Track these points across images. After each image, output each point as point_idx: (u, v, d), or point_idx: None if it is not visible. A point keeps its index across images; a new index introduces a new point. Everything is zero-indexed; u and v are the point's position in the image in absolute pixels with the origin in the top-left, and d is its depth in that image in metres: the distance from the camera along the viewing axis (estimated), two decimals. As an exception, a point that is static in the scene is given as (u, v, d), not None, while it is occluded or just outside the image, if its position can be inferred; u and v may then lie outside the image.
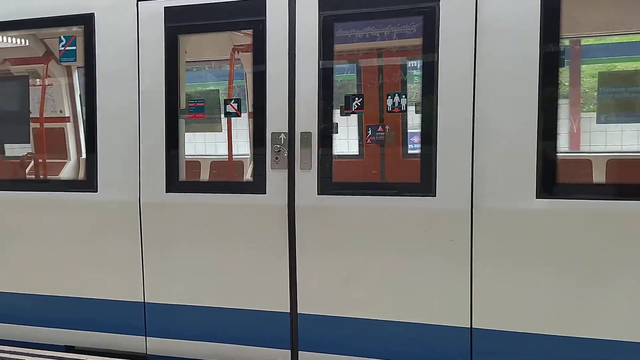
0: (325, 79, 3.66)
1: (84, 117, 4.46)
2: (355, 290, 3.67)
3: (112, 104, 4.16)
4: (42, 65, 5.64)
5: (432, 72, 3.45)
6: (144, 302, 4.15)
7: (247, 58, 5.18)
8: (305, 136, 3.72)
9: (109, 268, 4.19)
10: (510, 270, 3.35)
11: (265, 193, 3.80)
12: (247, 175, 5.23)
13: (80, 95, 6.02)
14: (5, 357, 3.96)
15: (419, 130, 3.59)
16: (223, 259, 3.95)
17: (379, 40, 4.22)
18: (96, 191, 4.16)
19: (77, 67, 5.91)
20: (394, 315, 3.62)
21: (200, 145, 9.15)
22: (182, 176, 4.09)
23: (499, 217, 3.34)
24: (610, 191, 3.31)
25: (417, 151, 3.64)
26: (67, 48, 4.38)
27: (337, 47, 3.73)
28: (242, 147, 6.28)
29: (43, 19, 4.34)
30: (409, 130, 5.26)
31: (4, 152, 6.30)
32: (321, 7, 3.62)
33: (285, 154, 3.75)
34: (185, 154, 4.27)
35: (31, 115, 6.42)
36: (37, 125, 6.54)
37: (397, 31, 4.02)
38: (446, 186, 3.42)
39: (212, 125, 6.52)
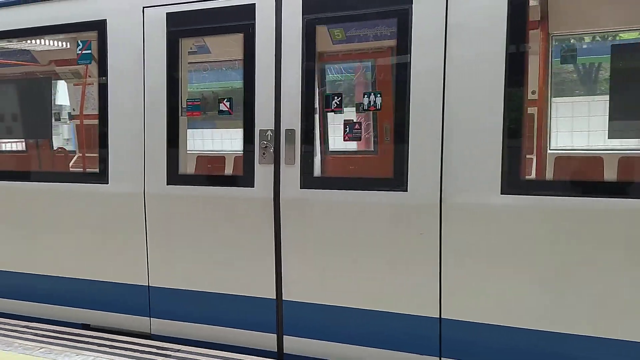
0: (308, 78, 3.85)
1: (98, 115, 4.75)
2: (334, 279, 3.86)
3: (121, 102, 4.50)
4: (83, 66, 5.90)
5: (405, 72, 3.59)
6: (148, 285, 4.49)
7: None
8: (290, 133, 3.93)
9: (119, 253, 4.55)
10: (477, 263, 3.47)
11: (253, 186, 4.05)
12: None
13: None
14: (33, 332, 4.43)
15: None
16: (216, 248, 4.21)
17: (358, 42, 4.70)
18: (107, 183, 4.53)
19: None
20: (369, 304, 3.78)
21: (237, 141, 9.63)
22: (183, 170, 4.38)
23: (466, 212, 3.47)
24: (568, 187, 3.37)
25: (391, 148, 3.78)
26: (84, 52, 4.78)
27: (319, 49, 3.94)
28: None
29: (62, 25, 4.75)
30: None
31: (51, 146, 6.96)
32: (305, 11, 3.83)
33: (271, 150, 3.99)
34: (213, 149, 4.54)
35: (73, 113, 7.04)
36: (77, 121, 7.18)
37: (374, 33, 4.44)
38: (417, 182, 3.56)
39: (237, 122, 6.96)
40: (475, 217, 3.44)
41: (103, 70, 4.57)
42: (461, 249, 3.51)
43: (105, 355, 3.96)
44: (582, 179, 3.99)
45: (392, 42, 3.80)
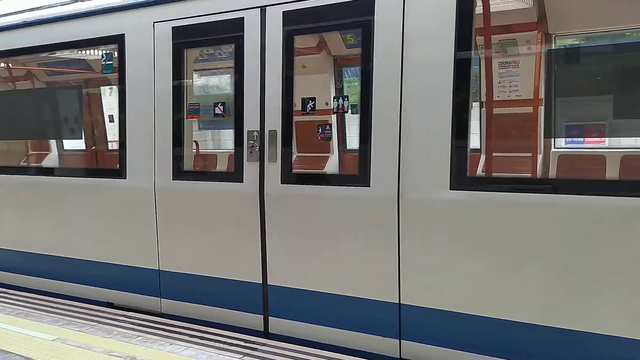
0: (288, 83, 4.25)
1: (118, 119, 5.28)
2: (309, 266, 4.24)
3: (135, 107, 5.03)
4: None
5: (368, 78, 3.91)
6: (159, 269, 4.99)
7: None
8: (272, 134, 4.33)
9: (134, 240, 5.09)
10: (431, 253, 3.74)
11: (242, 182, 4.47)
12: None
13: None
14: (130, 321, 4.73)
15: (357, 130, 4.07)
16: (212, 236, 4.67)
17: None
18: (125, 179, 5.05)
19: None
20: (338, 289, 4.12)
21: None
22: (188, 167, 4.89)
23: (420, 206, 3.76)
24: (506, 184, 3.58)
25: (356, 147, 4.17)
26: (107, 62, 5.40)
27: (297, 57, 4.31)
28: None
29: (88, 40, 5.37)
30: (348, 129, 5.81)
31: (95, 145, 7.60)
32: (284, 24, 4.23)
33: (257, 149, 4.39)
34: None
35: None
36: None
37: (345, 43, 4.96)
38: (378, 178, 3.88)
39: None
40: (428, 210, 3.73)
41: (122, 79, 5.11)
42: (417, 239, 3.78)
43: (196, 346, 4.15)
44: (519, 177, 4.17)
45: (358, 51, 4.10)
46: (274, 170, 4.34)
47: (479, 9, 3.70)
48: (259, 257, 4.45)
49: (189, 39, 4.78)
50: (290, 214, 4.27)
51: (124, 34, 5.08)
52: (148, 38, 4.93)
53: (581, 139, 4.89)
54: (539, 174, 4.64)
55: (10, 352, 4.00)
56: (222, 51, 5.44)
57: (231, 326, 4.61)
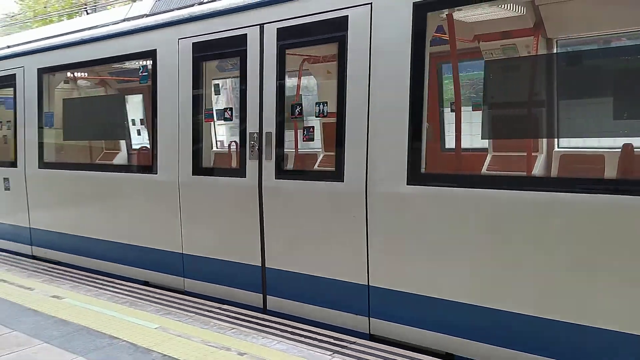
0: (280, 93, 4.88)
1: (150, 122, 6.25)
2: (297, 251, 4.85)
3: (164, 112, 5.83)
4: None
5: (343, 87, 4.48)
6: (182, 253, 5.75)
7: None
8: (268, 135, 4.93)
9: (162, 227, 5.89)
10: (393, 240, 4.25)
11: (245, 177, 5.12)
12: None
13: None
14: (225, 314, 4.93)
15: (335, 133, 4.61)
16: (222, 224, 5.39)
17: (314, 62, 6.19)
18: (156, 174, 5.89)
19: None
20: (319, 271, 4.68)
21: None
22: (208, 164, 5.65)
23: (382, 199, 4.27)
24: (454, 180, 4.06)
25: (332, 149, 4.73)
26: (143, 74, 6.28)
27: (288, 68, 5.02)
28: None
29: (127, 55, 6.40)
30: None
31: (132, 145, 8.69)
32: (278, 39, 4.88)
33: (257, 148, 5.01)
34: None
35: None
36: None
37: (324, 55, 5.82)
38: (350, 175, 4.42)
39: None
40: (389, 202, 4.23)
41: (154, 88, 5.95)
42: (381, 228, 4.29)
43: (287, 341, 4.24)
44: (464, 173, 4.63)
45: (334, 63, 4.76)
46: (269, 167, 4.97)
47: (430, 28, 4.12)
48: (258, 243, 5.08)
49: (205, 53, 5.53)
50: (282, 205, 4.91)
51: (155, 49, 5.93)
52: (174, 52, 5.72)
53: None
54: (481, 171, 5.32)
55: (118, 338, 4.29)
56: (232, 63, 6.13)
57: (237, 302, 5.32)
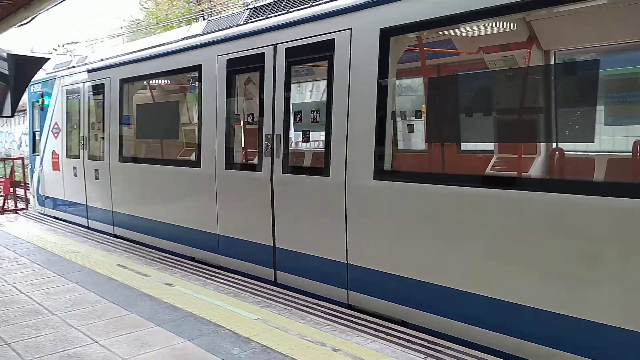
0: (287, 101, 5.95)
1: (198, 125, 7.45)
2: (297, 232, 5.85)
3: (207, 116, 7.06)
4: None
5: (330, 97, 5.43)
6: (217, 233, 6.88)
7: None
8: (278, 137, 5.98)
9: (200, 210, 7.15)
10: (367, 226, 5.11)
11: (261, 171, 6.15)
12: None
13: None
14: (321, 310, 5.06)
15: (323, 136, 5.68)
16: (244, 210, 6.54)
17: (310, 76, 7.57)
18: (200, 167, 7.13)
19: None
20: (312, 250, 5.64)
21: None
22: (236, 160, 6.80)
23: (355, 191, 5.16)
24: (408, 177, 4.93)
25: (322, 149, 5.75)
26: (192, 84, 8.05)
27: (293, 82, 6.34)
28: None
29: (182, 68, 7.86)
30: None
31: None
32: (287, 57, 5.92)
33: (269, 147, 6.05)
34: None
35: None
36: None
37: (316, 71, 7.03)
38: (334, 171, 5.34)
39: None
40: (361, 194, 5.12)
41: (200, 96, 7.27)
42: (356, 215, 5.17)
43: (381, 341, 4.27)
44: (415, 171, 5.81)
45: (325, 78, 5.61)
46: (278, 163, 5.96)
47: (393, 49, 4.94)
48: (270, 226, 6.07)
49: (236, 67, 6.65)
50: (287, 194, 5.91)
51: (201, 64, 7.17)
52: (214, 67, 6.88)
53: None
54: (431, 169, 5.96)
55: (221, 326, 4.56)
56: (255, 76, 6.84)
57: (254, 275, 6.31)
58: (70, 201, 10.62)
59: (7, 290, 5.78)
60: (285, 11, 6.17)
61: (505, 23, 4.95)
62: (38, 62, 9.99)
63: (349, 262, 5.23)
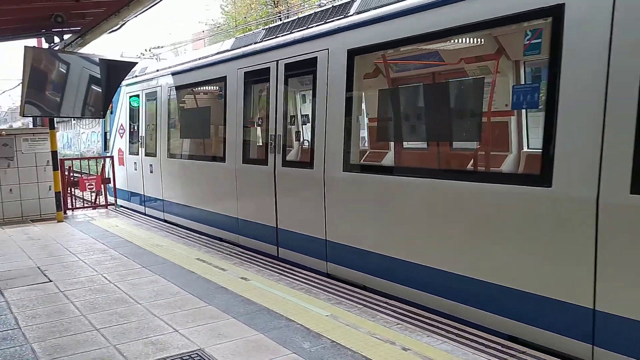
0: (285, 106, 7.33)
1: (224, 127, 8.95)
2: (292, 215, 7.13)
3: (230, 119, 8.51)
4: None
5: (314, 105, 6.68)
6: (237, 217, 8.39)
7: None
8: (279, 136, 7.34)
9: (227, 199, 8.55)
10: (341, 210, 6.27)
11: (267, 165, 7.53)
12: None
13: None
14: (391, 309, 4.99)
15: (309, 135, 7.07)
16: (255, 198, 7.90)
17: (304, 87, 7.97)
18: (225, 162, 8.57)
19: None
20: (302, 229, 6.96)
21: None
22: (252, 155, 8.12)
23: (333, 182, 6.34)
24: (364, 169, 6.17)
25: (308, 146, 7.19)
26: (219, 92, 9.24)
27: (289, 89, 7.55)
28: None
29: (213, 79, 9.29)
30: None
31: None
32: (285, 71, 7.23)
33: (273, 145, 7.41)
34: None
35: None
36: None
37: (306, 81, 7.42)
38: (317, 165, 6.58)
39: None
40: (335, 184, 6.30)
41: (225, 103, 8.65)
42: (332, 201, 6.37)
43: (452, 342, 4.21)
44: (368, 164, 6.67)
45: (311, 88, 6.82)
46: (279, 158, 7.29)
47: (358, 66, 6.13)
48: (273, 210, 7.41)
49: (250, 79, 8.05)
50: (285, 184, 7.19)
51: (225, 76, 8.58)
52: (235, 78, 8.31)
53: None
54: (385, 163, 6.65)
55: (293, 321, 4.68)
56: (265, 86, 7.92)
57: (261, 251, 7.69)
58: (131, 192, 12.38)
59: (97, 279, 6.22)
60: (289, 32, 7.34)
61: (438, 44, 5.71)
62: (127, 66, 10.65)
63: (327, 239, 6.53)
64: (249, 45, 8.19)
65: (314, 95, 6.63)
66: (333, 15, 6.60)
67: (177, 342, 4.30)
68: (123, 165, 12.77)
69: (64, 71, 9.71)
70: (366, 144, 7.80)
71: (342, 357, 3.94)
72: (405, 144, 6.96)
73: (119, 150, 13.12)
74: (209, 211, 9.13)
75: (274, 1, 29.12)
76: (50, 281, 6.18)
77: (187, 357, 4.00)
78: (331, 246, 6.42)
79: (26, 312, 5.12)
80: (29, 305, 5.34)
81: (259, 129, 8.10)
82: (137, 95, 12.09)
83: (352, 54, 6.02)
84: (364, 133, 7.62)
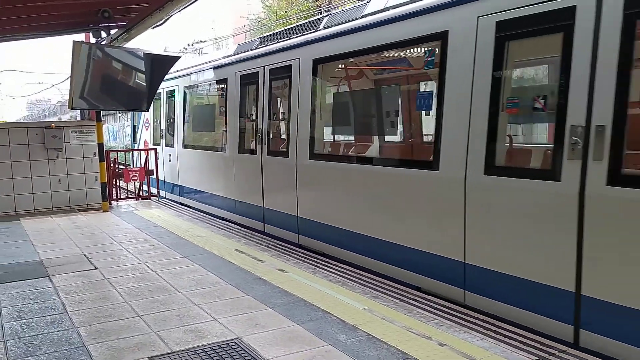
0: (270, 105, 8.83)
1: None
2: (273, 197, 8.68)
3: (230, 115, 9.96)
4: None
5: (289, 105, 8.19)
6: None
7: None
8: (264, 130, 8.90)
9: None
10: (307, 191, 7.75)
11: (256, 154, 8.98)
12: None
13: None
14: (428, 304, 4.96)
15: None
16: (245, 183, 9.43)
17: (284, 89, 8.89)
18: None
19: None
20: (280, 208, 8.47)
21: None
22: (246, 146, 9.47)
23: (302, 168, 7.77)
24: (323, 157, 7.58)
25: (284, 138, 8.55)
26: (222, 92, 10.59)
27: (273, 91, 8.97)
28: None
29: (218, 80, 10.77)
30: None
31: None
32: (270, 75, 8.75)
33: (261, 137, 8.98)
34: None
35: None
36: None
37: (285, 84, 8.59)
38: (291, 154, 8.00)
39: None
40: (303, 169, 7.74)
41: (226, 101, 10.16)
42: (302, 182, 7.81)
43: (490, 339, 4.16)
44: (325, 153, 7.86)
45: (288, 91, 8.23)
46: (265, 149, 8.83)
47: (321, 73, 7.55)
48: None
49: (245, 81, 9.46)
50: (270, 169, 8.67)
51: (226, 78, 10.15)
52: (234, 79, 9.78)
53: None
54: (333, 153, 8.09)
55: (329, 313, 4.71)
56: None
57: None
58: (153, 178, 13.29)
59: (140, 268, 6.40)
60: (276, 41, 8.68)
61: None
62: (170, 60, 10.87)
63: (299, 215, 7.97)
64: (246, 51, 9.62)
65: (289, 97, 8.05)
66: (307, 29, 7.94)
67: (215, 330, 4.40)
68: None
69: (110, 65, 10.00)
70: (329, 138, 8.73)
71: (377, 350, 3.95)
72: (351, 138, 8.37)
73: (145, 141, 15.01)
74: (214, 194, 10.75)
75: (314, -5, 29.12)
76: (96, 268, 6.40)
77: (225, 346, 4.09)
78: (301, 221, 7.92)
79: (73, 298, 5.33)
80: (75, 291, 5.55)
81: (250, 124, 9.39)
82: (159, 93, 13.13)
83: (316, 62, 7.46)
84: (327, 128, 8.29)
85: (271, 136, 8.74)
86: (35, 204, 10.73)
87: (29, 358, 3.97)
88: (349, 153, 8.03)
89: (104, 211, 10.80)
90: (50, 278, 6.04)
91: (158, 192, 12.70)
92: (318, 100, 7.53)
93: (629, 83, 3.82)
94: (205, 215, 10.13)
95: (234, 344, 4.11)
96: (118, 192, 12.68)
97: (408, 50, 6.50)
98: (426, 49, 5.85)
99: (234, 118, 9.70)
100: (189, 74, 11.94)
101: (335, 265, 6.46)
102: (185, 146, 12.09)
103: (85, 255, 7.05)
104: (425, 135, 7.79)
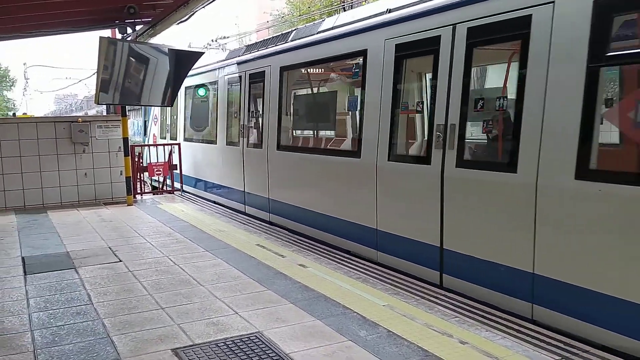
0: (249, 106, 10.41)
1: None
2: (252, 182, 10.15)
3: (221, 113, 11.63)
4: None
5: (263, 105, 9.70)
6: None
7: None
8: (245, 126, 10.35)
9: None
10: (276, 176, 9.23)
11: (239, 146, 10.50)
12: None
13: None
14: (449, 302, 4.94)
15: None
16: (230, 171, 11.01)
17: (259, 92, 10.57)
18: (216, 144, 11.60)
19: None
20: (256, 191, 9.89)
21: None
22: (232, 139, 10.90)
23: (271, 156, 9.24)
24: (292, 149, 8.99)
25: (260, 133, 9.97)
26: (213, 92, 12.33)
27: (252, 92, 10.47)
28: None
29: (212, 82, 12.28)
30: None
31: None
32: (249, 79, 10.39)
33: (242, 132, 10.47)
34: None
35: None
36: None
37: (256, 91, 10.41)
38: (264, 146, 9.46)
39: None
40: (273, 158, 9.19)
41: (216, 100, 11.84)
42: (272, 171, 9.27)
43: (512, 338, 4.13)
44: (296, 146, 9.30)
45: (262, 93, 9.83)
46: (245, 142, 10.24)
47: (287, 78, 9.11)
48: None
49: (231, 83, 11.03)
50: (249, 159, 10.08)
51: (217, 80, 11.63)
52: (223, 83, 11.44)
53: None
54: (293, 144, 9.36)
55: (350, 309, 4.72)
56: (236, 90, 11.00)
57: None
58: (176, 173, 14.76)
59: (163, 261, 6.49)
60: (256, 50, 10.10)
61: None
62: (194, 56, 10.96)
63: (270, 197, 9.33)
64: (233, 57, 11.12)
65: (263, 97, 9.58)
66: (281, 40, 9.30)
67: (237, 324, 4.44)
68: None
69: (136, 61, 10.13)
70: (293, 132, 10.00)
71: (397, 347, 3.95)
72: (306, 132, 9.74)
73: (154, 135, 16.64)
74: (211, 182, 12.17)
75: (338, -10, 29.03)
76: (120, 261, 6.51)
77: (247, 339, 4.13)
78: (272, 202, 9.30)
79: (98, 290, 5.43)
80: (100, 282, 5.66)
81: (235, 120, 10.80)
82: None
83: (282, 69, 8.93)
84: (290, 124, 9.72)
85: (252, 131, 10.15)
86: (62, 197, 10.95)
87: (55, 348, 4.07)
88: (304, 145, 9.58)
89: (128, 205, 10.97)
90: (77, 270, 6.16)
91: (182, 186, 12.85)
92: (284, 101, 9.05)
93: (468, 95, 5.37)
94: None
95: (255, 337, 4.15)
96: (142, 186, 12.86)
97: (346, 62, 8.08)
98: (355, 62, 7.44)
99: (224, 116, 11.30)
100: (193, 75, 12.86)
101: (356, 262, 6.46)
102: (185, 139, 13.54)
103: (110, 248, 7.18)
104: (354, 131, 8.85)
